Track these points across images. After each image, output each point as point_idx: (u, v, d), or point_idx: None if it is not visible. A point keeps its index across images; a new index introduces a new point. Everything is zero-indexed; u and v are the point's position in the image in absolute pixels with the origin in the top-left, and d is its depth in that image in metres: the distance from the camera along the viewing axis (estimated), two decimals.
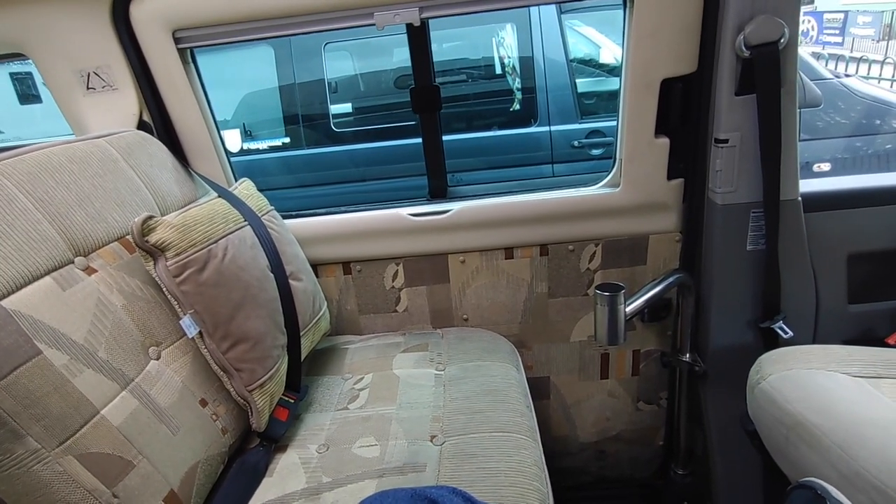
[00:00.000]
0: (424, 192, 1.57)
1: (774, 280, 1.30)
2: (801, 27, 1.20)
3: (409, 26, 1.33)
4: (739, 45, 1.16)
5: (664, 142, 1.35)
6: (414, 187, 2.79)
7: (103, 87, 1.30)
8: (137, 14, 1.24)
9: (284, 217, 1.44)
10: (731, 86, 1.20)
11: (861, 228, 1.33)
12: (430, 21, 1.34)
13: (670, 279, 1.36)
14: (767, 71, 1.16)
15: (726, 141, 1.24)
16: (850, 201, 1.32)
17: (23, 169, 0.93)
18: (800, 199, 1.28)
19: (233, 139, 3.14)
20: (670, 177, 1.39)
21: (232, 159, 1.51)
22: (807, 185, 1.32)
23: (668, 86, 1.29)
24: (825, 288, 1.36)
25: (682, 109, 1.32)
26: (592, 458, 1.76)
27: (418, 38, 1.38)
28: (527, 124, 2.96)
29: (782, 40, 1.14)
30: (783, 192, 1.24)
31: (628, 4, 1.25)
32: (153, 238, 0.97)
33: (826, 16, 14.24)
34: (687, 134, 1.34)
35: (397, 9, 1.24)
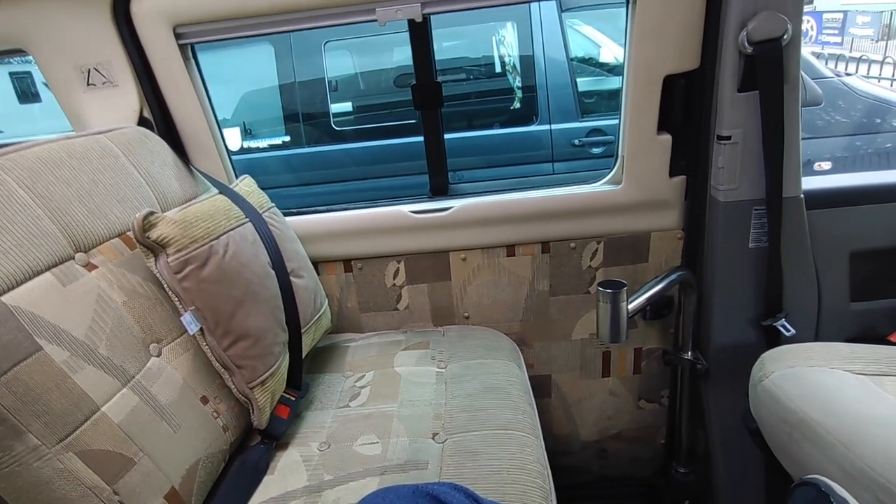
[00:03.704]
0: (426, 191, 1.56)
1: (777, 278, 1.30)
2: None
3: (411, 22, 1.32)
4: (742, 41, 1.15)
5: (666, 139, 1.35)
6: (415, 185, 2.79)
7: (104, 83, 1.30)
8: (138, 10, 1.23)
9: (286, 214, 1.43)
10: (734, 82, 1.20)
11: (864, 226, 1.33)
12: (431, 18, 1.34)
13: (672, 277, 1.35)
14: (770, 67, 1.15)
15: (729, 138, 1.24)
16: (852, 199, 1.32)
17: (23, 164, 0.92)
18: (802, 196, 1.27)
19: (233, 138, 3.13)
20: (672, 174, 1.39)
21: (232, 158, 1.51)
22: (809, 183, 1.31)
23: (670, 82, 1.28)
24: (828, 285, 1.36)
25: (684, 106, 1.31)
26: (594, 456, 1.75)
27: (420, 34, 1.37)
28: (527, 123, 2.96)
29: (785, 36, 1.14)
30: (786, 190, 1.24)
31: (630, 1, 1.24)
32: (154, 234, 0.97)
33: (825, 16, 14.25)
34: (689, 131, 1.34)
35: (399, 4, 1.23)
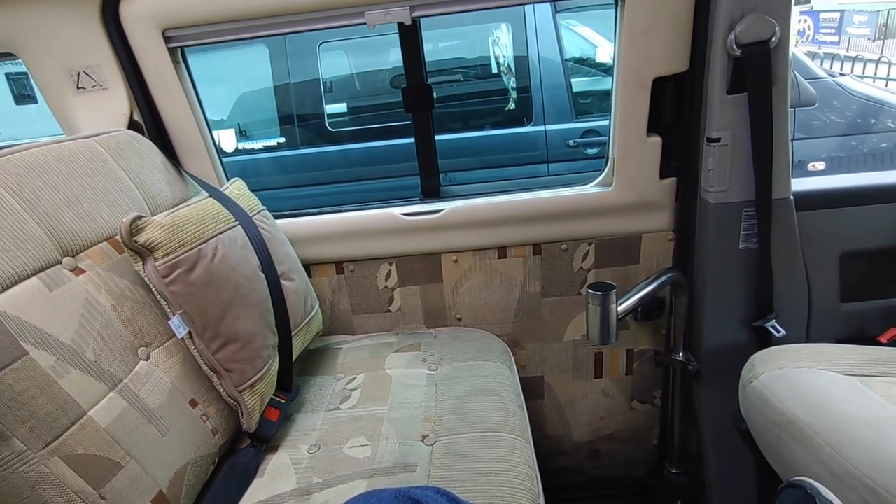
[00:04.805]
0: (418, 192, 1.56)
1: (767, 279, 1.30)
2: (798, 27, 1.20)
3: (401, 25, 1.32)
4: (731, 43, 1.15)
5: (656, 140, 1.35)
6: (413, 187, 2.79)
7: (93, 86, 1.30)
8: (127, 13, 1.23)
9: (276, 217, 1.43)
10: (723, 84, 1.20)
11: (853, 227, 1.33)
12: (424, 20, 1.34)
13: (663, 278, 1.35)
14: (758, 70, 1.15)
15: (718, 140, 1.24)
16: (842, 200, 1.32)
17: (9, 169, 0.92)
18: (792, 197, 1.28)
19: (228, 139, 3.13)
20: (663, 176, 1.39)
21: (227, 159, 1.50)
22: (799, 184, 1.32)
23: (660, 84, 1.28)
24: (818, 287, 1.36)
25: (674, 108, 1.32)
26: (587, 457, 1.76)
27: (410, 36, 1.38)
28: (522, 124, 2.96)
29: (773, 39, 1.14)
30: (775, 191, 1.24)
31: (620, 3, 1.24)
32: (142, 238, 0.97)
33: (822, 15, 14.27)
34: (679, 133, 1.34)
35: (388, 8, 1.23)
